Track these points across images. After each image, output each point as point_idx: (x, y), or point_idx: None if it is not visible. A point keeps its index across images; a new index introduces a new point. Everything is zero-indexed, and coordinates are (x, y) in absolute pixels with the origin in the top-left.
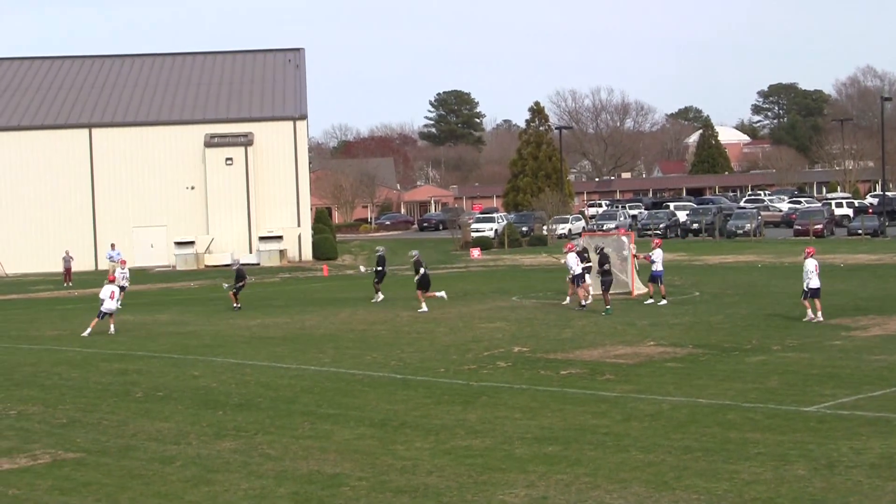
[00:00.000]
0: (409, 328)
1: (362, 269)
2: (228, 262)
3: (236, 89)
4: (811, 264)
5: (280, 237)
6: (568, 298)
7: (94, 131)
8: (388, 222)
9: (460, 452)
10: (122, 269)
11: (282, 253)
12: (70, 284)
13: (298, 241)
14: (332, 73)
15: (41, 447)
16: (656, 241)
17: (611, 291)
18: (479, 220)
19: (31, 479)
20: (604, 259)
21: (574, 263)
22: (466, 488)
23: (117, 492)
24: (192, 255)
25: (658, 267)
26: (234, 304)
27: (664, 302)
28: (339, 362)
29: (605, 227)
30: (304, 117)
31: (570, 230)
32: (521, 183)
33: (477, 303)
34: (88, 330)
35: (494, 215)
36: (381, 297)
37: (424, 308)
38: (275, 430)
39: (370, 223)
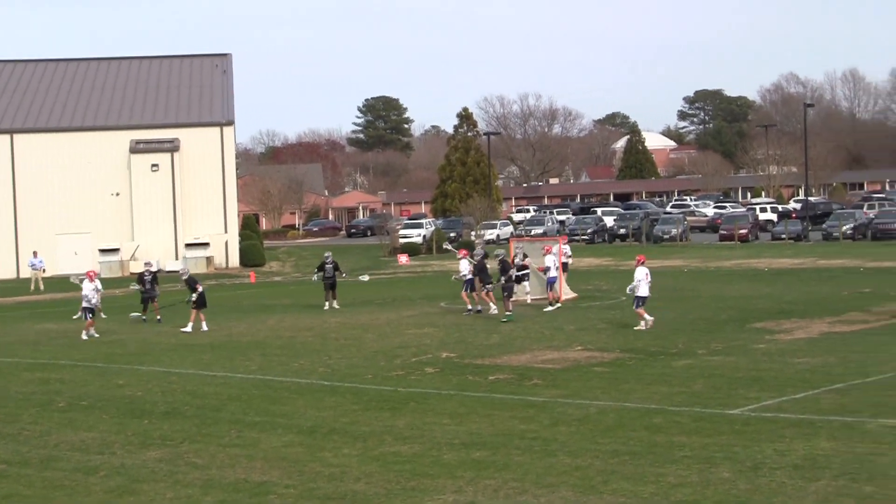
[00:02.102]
0: (336, 335)
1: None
2: (179, 269)
3: (163, 94)
4: (641, 272)
5: (207, 244)
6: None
7: (16, 137)
8: (315, 228)
9: (388, 459)
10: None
11: (208, 260)
12: None
13: (225, 247)
14: (260, 79)
15: None
16: (546, 247)
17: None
18: (407, 226)
19: None
20: (506, 267)
21: (465, 268)
22: (395, 494)
23: (39, 503)
24: (117, 263)
25: (553, 273)
26: (154, 317)
27: (549, 308)
28: (267, 369)
29: (532, 233)
30: (231, 123)
31: (498, 235)
32: (450, 189)
33: (405, 309)
34: (88, 332)
35: (423, 221)
36: (328, 306)
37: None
38: (201, 439)
39: (298, 229)
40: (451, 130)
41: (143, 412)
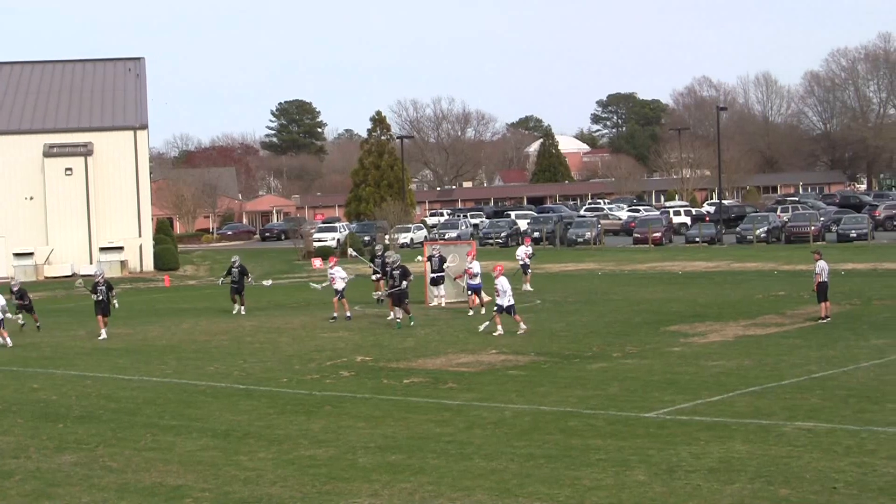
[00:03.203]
0: (251, 338)
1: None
2: (94, 272)
3: (76, 98)
4: (507, 282)
5: (121, 248)
6: (472, 311)
7: None
8: (229, 232)
9: (304, 462)
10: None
11: (123, 263)
12: None
13: (139, 251)
14: (174, 83)
15: None
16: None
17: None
18: (321, 230)
19: None
20: (405, 273)
21: (340, 276)
22: (311, 498)
23: None
24: (32, 267)
25: (478, 280)
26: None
27: (471, 313)
28: (182, 373)
29: (446, 237)
30: (144, 127)
31: (412, 239)
32: (364, 192)
33: (320, 312)
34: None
35: (337, 225)
36: (237, 310)
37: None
38: (116, 443)
39: (212, 233)
40: (364, 134)
41: (59, 416)
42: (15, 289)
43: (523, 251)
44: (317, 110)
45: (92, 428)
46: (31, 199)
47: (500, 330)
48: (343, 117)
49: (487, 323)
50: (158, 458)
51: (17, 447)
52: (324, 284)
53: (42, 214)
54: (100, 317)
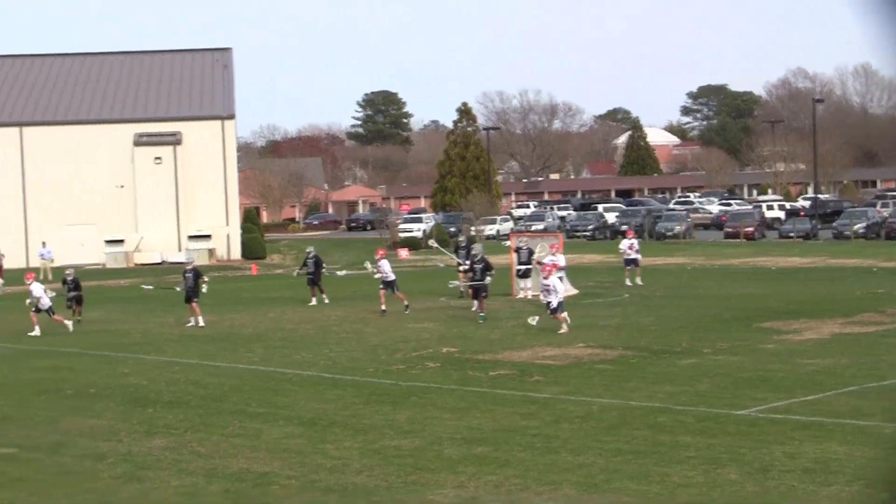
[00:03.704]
0: (337, 328)
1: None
2: (184, 259)
3: (165, 89)
4: (557, 281)
5: (209, 236)
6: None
7: (25, 130)
8: (316, 222)
9: (389, 452)
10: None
11: (210, 252)
12: (2, 282)
13: (227, 240)
14: (261, 73)
15: None
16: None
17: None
18: (407, 221)
19: None
20: (487, 266)
21: (388, 269)
22: (396, 488)
23: (50, 488)
24: (122, 254)
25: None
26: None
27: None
28: (269, 361)
29: (533, 229)
30: (232, 117)
31: (498, 231)
32: (449, 183)
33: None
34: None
35: (422, 216)
36: (316, 301)
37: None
38: (204, 429)
39: (298, 223)
40: (450, 125)
41: (148, 401)
42: (69, 279)
43: (626, 244)
44: (403, 101)
45: (181, 413)
46: (122, 187)
47: (565, 328)
48: (429, 108)
49: (538, 317)
50: (246, 444)
51: (109, 431)
52: (376, 275)
53: (132, 203)
54: (192, 304)
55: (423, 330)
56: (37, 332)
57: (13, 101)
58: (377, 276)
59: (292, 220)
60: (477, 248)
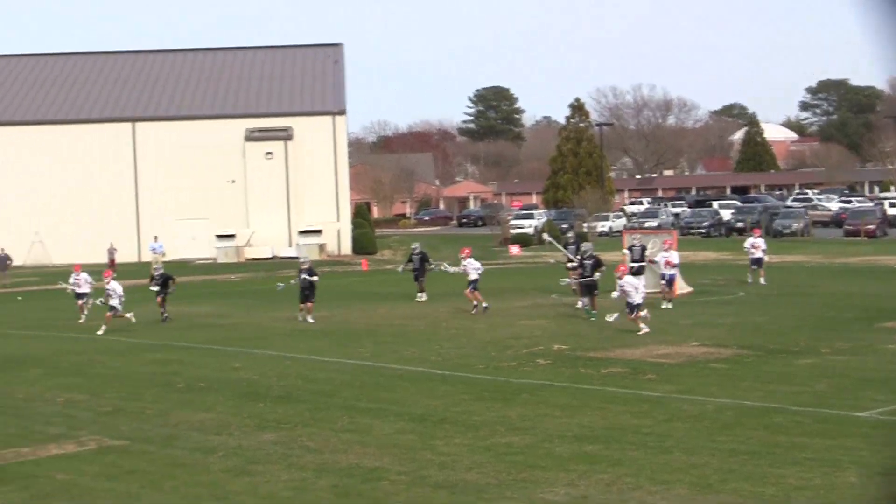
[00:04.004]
0: (447, 324)
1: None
2: (298, 256)
3: (276, 84)
4: (634, 280)
5: (319, 231)
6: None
7: (138, 125)
8: (426, 218)
9: (500, 449)
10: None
11: (321, 247)
12: (115, 275)
13: (338, 235)
14: (372, 69)
15: (87, 434)
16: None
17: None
18: (518, 217)
19: (78, 465)
20: (597, 263)
21: (474, 268)
22: (506, 485)
23: (161, 479)
24: (233, 248)
25: (673, 271)
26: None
27: (666, 305)
28: (379, 356)
29: (646, 225)
30: (343, 112)
31: (610, 228)
32: (562, 180)
33: (516, 300)
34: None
35: (534, 212)
36: (425, 296)
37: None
38: (315, 423)
39: (409, 218)
40: (562, 121)
41: (259, 395)
42: (157, 273)
43: (751, 243)
44: (515, 97)
45: (291, 408)
46: (233, 182)
47: (645, 328)
48: (541, 104)
49: (617, 314)
50: (356, 439)
51: (220, 424)
52: (455, 269)
53: (243, 197)
54: (306, 303)
55: (535, 327)
56: (102, 330)
57: (126, 97)
58: (454, 270)
59: (403, 215)
60: (586, 245)
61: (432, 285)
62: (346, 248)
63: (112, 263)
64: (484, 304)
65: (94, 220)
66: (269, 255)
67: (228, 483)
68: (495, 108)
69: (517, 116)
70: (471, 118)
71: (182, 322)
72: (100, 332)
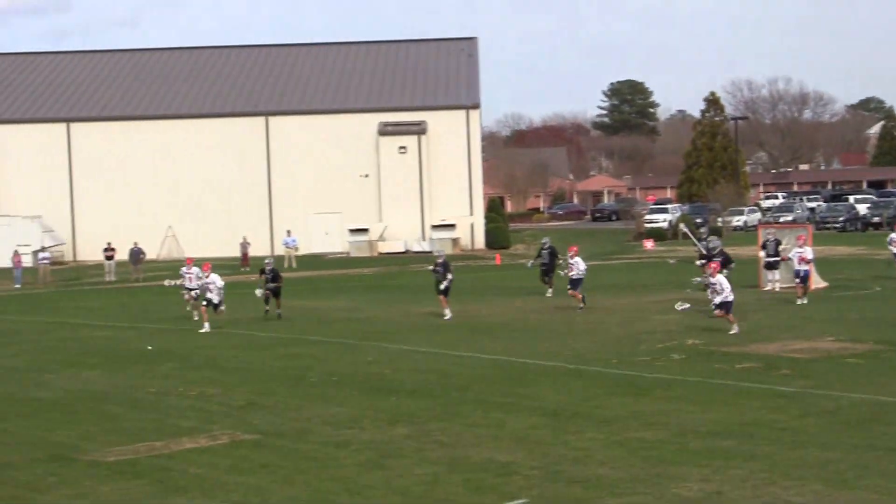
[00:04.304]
0: (581, 318)
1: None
2: (433, 251)
3: (410, 78)
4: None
5: (453, 225)
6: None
7: (271, 119)
8: (560, 212)
9: (633, 444)
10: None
11: (454, 241)
12: (248, 269)
13: (471, 229)
14: (506, 63)
15: (220, 428)
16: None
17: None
18: (652, 211)
19: (210, 459)
20: (727, 260)
21: (582, 267)
22: (640, 480)
23: (293, 474)
24: (366, 243)
25: (807, 267)
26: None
27: (800, 301)
28: (512, 351)
29: (781, 220)
30: (476, 106)
31: (745, 222)
32: (696, 174)
33: (650, 294)
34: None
35: (668, 206)
36: (551, 292)
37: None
38: (447, 418)
39: (543, 212)
40: (697, 115)
41: (392, 389)
42: (268, 268)
43: (891, 238)
44: (649, 90)
45: (423, 402)
46: (367, 176)
47: (735, 329)
48: (676, 98)
49: (688, 304)
50: (488, 434)
51: (352, 418)
52: (566, 271)
53: (376, 191)
54: (441, 297)
55: (669, 322)
56: (206, 327)
57: (260, 91)
58: (570, 273)
59: (537, 209)
60: (715, 241)
61: (563, 279)
62: (480, 242)
63: (245, 258)
64: (580, 306)
65: (227, 215)
66: (403, 250)
67: (361, 477)
68: (629, 101)
69: (651, 110)
70: (605, 112)
71: (315, 316)
72: (203, 330)
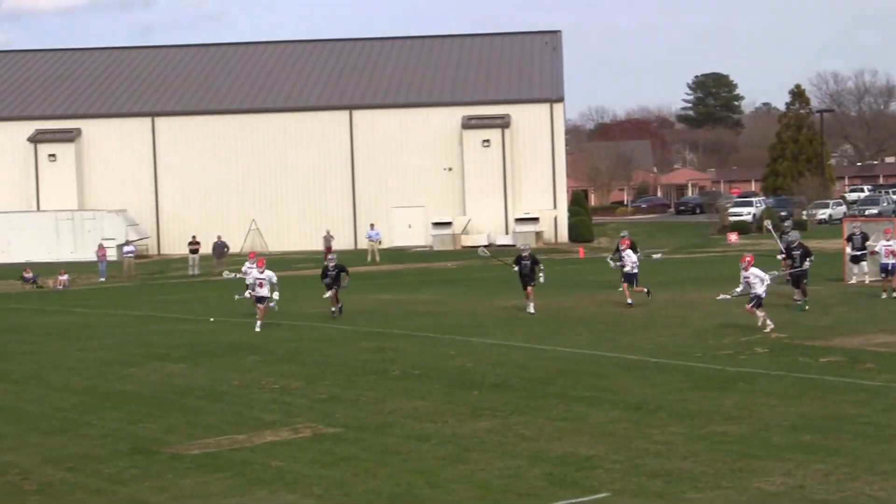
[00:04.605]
0: (664, 312)
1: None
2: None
3: (493, 71)
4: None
5: (536, 219)
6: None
7: (355, 112)
8: (644, 205)
9: (716, 438)
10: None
11: (538, 234)
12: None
13: (554, 222)
14: (590, 56)
15: (302, 421)
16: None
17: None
18: (736, 204)
19: (292, 452)
20: (806, 253)
21: (632, 260)
22: (722, 475)
23: (375, 467)
24: (449, 236)
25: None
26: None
27: (884, 296)
28: (594, 345)
29: (867, 213)
30: (560, 100)
31: (830, 216)
32: (781, 167)
33: (733, 288)
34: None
35: (753, 199)
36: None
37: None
38: (529, 411)
39: (626, 206)
40: (782, 108)
41: (474, 383)
42: (331, 265)
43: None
44: (734, 83)
45: (506, 396)
46: (450, 169)
47: (770, 324)
48: (760, 91)
49: (727, 296)
50: (570, 428)
51: (435, 412)
52: (618, 264)
53: (459, 185)
54: (528, 290)
55: (752, 315)
56: (258, 327)
57: (343, 85)
58: (623, 267)
59: (620, 203)
60: (794, 235)
61: (643, 273)
62: (563, 235)
63: (328, 251)
64: (629, 301)
65: (310, 208)
66: (486, 243)
67: (442, 471)
68: (714, 94)
69: (736, 103)
70: (689, 105)
71: (398, 310)
72: (257, 329)
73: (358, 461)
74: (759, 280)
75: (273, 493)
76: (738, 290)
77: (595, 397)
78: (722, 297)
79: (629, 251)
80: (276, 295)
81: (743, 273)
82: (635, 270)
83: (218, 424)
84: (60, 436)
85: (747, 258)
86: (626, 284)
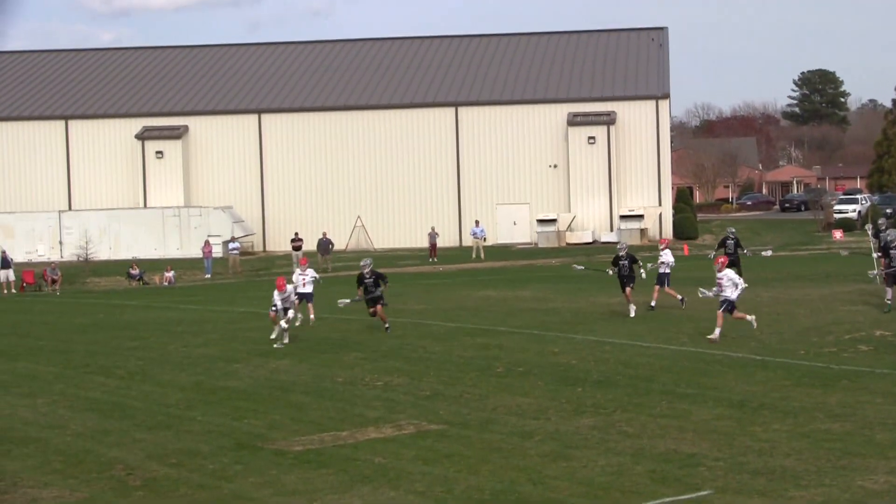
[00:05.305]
0: (768, 309)
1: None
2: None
3: (599, 68)
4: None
5: (641, 216)
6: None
7: (461, 109)
8: (749, 202)
9: (819, 436)
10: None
11: (642, 232)
12: (435, 260)
13: (659, 220)
14: (696, 52)
15: (406, 418)
16: (663, 240)
17: None
18: (841, 202)
19: (395, 449)
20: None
21: (669, 260)
22: (825, 473)
23: (478, 464)
24: (554, 233)
25: (663, 269)
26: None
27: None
28: (698, 342)
29: None
30: (666, 96)
31: None
32: (887, 164)
33: (838, 285)
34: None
35: (858, 196)
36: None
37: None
38: (633, 408)
39: (731, 203)
40: (889, 104)
41: (577, 380)
42: (366, 270)
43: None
44: (840, 80)
45: (609, 393)
46: (555, 166)
47: (751, 318)
48: (866, 87)
49: (709, 293)
50: (673, 425)
51: (538, 409)
52: (651, 266)
53: (564, 182)
54: (626, 291)
55: (857, 312)
56: (283, 335)
57: (450, 82)
58: (656, 267)
59: (725, 200)
60: (892, 233)
61: (750, 270)
62: (668, 232)
63: (433, 248)
64: (652, 304)
65: (415, 205)
66: (591, 240)
67: (545, 468)
68: (820, 91)
69: (842, 100)
70: (795, 102)
71: (502, 307)
72: (276, 345)
73: (460, 458)
74: (731, 284)
75: (376, 489)
76: (715, 290)
77: (698, 394)
78: (702, 292)
79: (667, 251)
80: (290, 314)
81: (717, 274)
82: (667, 271)
83: (321, 421)
84: (165, 431)
85: (720, 259)
86: (657, 286)
